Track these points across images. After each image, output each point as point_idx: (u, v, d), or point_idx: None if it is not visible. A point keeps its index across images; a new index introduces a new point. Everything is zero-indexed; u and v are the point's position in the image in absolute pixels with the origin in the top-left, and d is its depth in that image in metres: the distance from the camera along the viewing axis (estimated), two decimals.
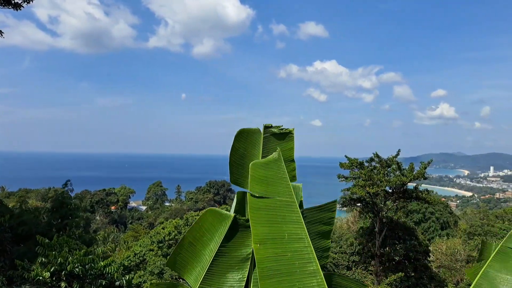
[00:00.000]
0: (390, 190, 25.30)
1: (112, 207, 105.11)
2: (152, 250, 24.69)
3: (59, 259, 12.32)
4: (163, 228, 26.30)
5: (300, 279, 2.21)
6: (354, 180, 24.87)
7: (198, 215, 26.75)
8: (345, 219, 65.15)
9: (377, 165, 25.61)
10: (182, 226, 25.28)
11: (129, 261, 24.96)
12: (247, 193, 2.62)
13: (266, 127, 3.41)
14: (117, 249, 44.13)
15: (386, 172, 24.86)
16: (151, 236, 26.18)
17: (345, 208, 34.11)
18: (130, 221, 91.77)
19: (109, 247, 50.90)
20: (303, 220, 2.34)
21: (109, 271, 13.04)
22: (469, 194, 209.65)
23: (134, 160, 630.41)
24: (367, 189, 23.27)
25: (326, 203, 2.83)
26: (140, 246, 26.39)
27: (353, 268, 28.03)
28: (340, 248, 29.82)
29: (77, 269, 12.45)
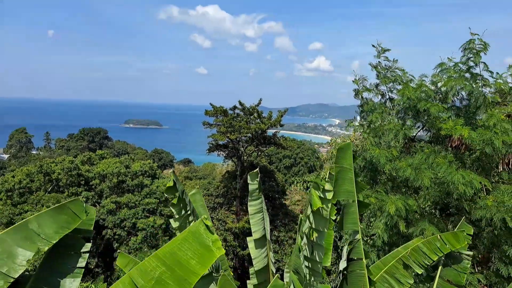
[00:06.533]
0: (251, 137, 27.09)
1: None
2: (0, 199, 22.60)
3: None
4: (13, 176, 24.05)
5: None
6: (217, 127, 25.89)
7: (54, 161, 25.11)
8: (224, 166, 67.59)
9: (241, 113, 26.96)
10: (35, 173, 23.44)
11: None
12: None
13: None
14: None
15: (248, 119, 26.39)
16: None
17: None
18: None
19: None
20: None
21: None
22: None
23: None
24: (228, 135, 24.52)
25: None
26: None
27: (218, 209, 29.98)
28: (207, 191, 31.40)
29: None
